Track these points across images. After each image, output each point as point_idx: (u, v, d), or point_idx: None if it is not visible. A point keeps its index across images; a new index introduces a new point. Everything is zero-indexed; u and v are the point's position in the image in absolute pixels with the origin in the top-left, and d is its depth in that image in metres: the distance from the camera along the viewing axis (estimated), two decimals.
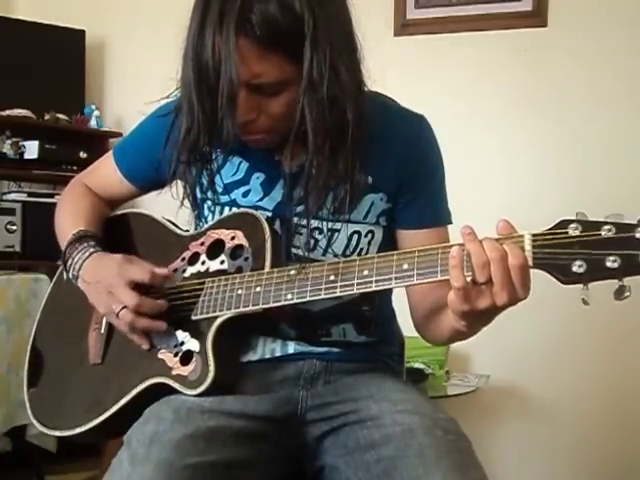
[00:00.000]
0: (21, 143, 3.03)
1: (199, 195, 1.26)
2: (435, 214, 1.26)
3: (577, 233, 0.90)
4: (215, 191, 1.20)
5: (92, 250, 1.23)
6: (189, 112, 1.09)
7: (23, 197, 3.02)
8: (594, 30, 2.70)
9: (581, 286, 0.91)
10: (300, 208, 1.19)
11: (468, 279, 0.94)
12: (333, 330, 1.23)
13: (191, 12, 1.07)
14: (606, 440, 2.68)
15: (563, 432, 2.71)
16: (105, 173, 1.40)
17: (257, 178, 1.22)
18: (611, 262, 0.88)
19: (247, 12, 1.01)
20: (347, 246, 1.20)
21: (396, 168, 1.20)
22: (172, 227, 1.31)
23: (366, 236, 1.22)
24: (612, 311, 0.93)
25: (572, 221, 0.91)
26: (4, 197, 3.06)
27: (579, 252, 0.90)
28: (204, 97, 1.07)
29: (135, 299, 1.13)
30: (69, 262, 1.24)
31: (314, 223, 1.19)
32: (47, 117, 3.09)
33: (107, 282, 1.17)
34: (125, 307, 1.14)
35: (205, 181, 1.19)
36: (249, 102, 1.07)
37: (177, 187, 1.27)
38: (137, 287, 1.15)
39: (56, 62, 3.17)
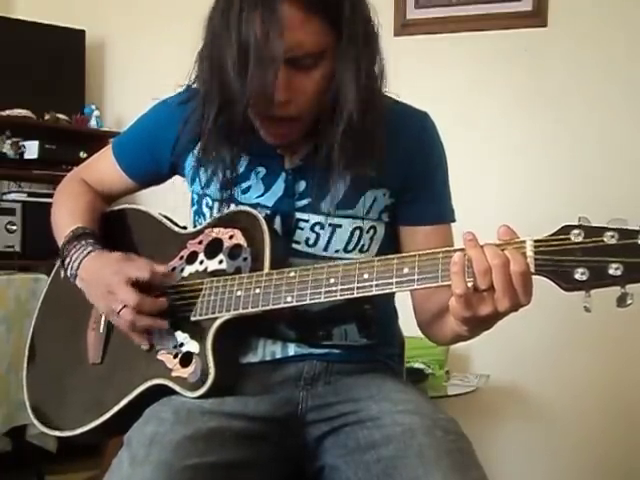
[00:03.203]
0: (21, 143, 3.04)
1: (200, 191, 1.26)
2: (438, 211, 1.26)
3: (580, 239, 0.89)
4: (234, 183, 1.19)
5: (90, 249, 1.23)
6: (224, 90, 1.07)
7: (23, 197, 3.03)
8: (594, 30, 2.70)
9: (583, 293, 0.90)
10: (302, 202, 1.20)
11: (469, 284, 0.94)
12: (335, 331, 1.22)
13: None
14: (606, 439, 2.68)
15: (563, 432, 2.71)
16: (103, 168, 1.39)
17: (258, 172, 1.22)
18: (614, 269, 0.87)
19: None
20: (349, 242, 1.20)
21: (400, 164, 1.20)
22: (169, 224, 1.30)
23: (368, 232, 1.21)
24: (611, 310, 0.92)
25: (575, 226, 0.90)
26: (4, 197, 3.06)
27: (581, 259, 0.89)
28: (243, 75, 1.04)
29: (135, 298, 1.13)
30: (67, 260, 1.24)
31: (316, 218, 1.19)
32: (47, 117, 3.09)
33: (106, 281, 1.16)
34: (126, 306, 1.13)
35: (228, 172, 1.17)
36: (287, 79, 1.05)
37: (178, 183, 1.26)
38: (136, 285, 1.15)
39: (56, 62, 3.17)
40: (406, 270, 1.00)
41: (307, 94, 1.09)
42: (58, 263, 1.35)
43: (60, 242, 1.28)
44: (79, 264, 1.22)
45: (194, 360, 1.13)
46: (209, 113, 1.11)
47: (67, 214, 1.32)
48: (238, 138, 1.14)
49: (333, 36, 1.07)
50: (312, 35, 1.05)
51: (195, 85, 1.16)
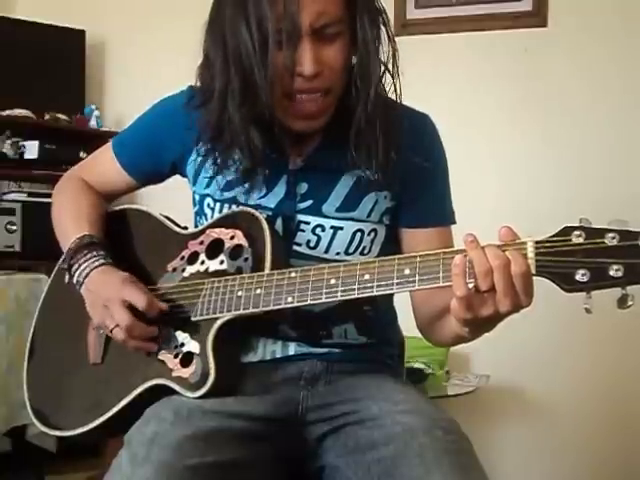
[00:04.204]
0: (21, 143, 3.03)
1: (202, 191, 1.26)
2: (439, 214, 1.26)
3: (580, 240, 0.90)
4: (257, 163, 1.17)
5: (102, 261, 1.23)
6: (255, 71, 1.08)
7: (23, 197, 3.02)
8: (594, 30, 2.70)
9: (584, 294, 0.90)
10: (303, 205, 1.20)
11: (470, 286, 0.94)
12: (334, 331, 1.23)
13: None
14: (607, 440, 2.68)
15: (564, 432, 2.71)
16: (103, 166, 1.39)
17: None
18: (614, 271, 0.87)
19: None
20: (350, 244, 1.21)
21: (400, 167, 1.20)
22: (170, 224, 1.30)
23: (369, 235, 1.22)
24: (613, 311, 0.92)
25: (576, 228, 0.90)
26: (4, 197, 3.05)
27: (582, 260, 0.89)
28: (270, 55, 1.07)
29: (128, 320, 1.14)
30: (74, 267, 1.24)
31: (317, 220, 1.20)
32: (47, 117, 3.09)
33: (105, 296, 1.18)
34: (117, 325, 1.15)
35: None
36: (315, 51, 1.09)
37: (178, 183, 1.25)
38: (132, 307, 1.15)
39: (56, 62, 3.17)
40: (407, 271, 1.00)
41: (334, 66, 1.12)
42: (59, 264, 1.35)
43: (65, 245, 1.28)
44: (87, 274, 1.22)
45: (195, 360, 1.13)
46: (237, 100, 1.11)
47: (71, 216, 1.32)
48: (265, 124, 1.13)
49: (348, 12, 1.11)
50: (330, 4, 1.08)
51: (202, 81, 1.16)
